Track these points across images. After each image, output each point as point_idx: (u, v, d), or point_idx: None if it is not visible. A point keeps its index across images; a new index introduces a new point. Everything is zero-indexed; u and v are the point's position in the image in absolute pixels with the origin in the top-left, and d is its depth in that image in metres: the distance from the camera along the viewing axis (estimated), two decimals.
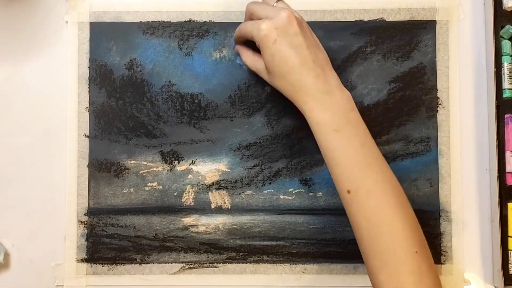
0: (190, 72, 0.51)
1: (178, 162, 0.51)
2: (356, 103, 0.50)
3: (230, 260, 0.50)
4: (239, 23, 0.51)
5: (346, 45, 0.51)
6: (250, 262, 0.50)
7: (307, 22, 0.48)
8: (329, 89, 0.43)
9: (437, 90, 0.51)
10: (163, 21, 0.51)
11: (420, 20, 0.51)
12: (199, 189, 0.51)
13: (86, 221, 0.51)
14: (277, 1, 0.46)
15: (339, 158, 0.42)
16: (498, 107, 0.48)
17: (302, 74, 0.43)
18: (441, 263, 0.50)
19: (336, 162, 0.42)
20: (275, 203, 0.51)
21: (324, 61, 0.44)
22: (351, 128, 0.43)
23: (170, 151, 0.51)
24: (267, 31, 0.42)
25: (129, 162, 0.51)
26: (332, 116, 0.43)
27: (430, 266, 0.40)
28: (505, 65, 0.49)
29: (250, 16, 0.46)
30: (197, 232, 0.51)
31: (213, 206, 0.51)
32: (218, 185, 0.51)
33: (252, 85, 0.51)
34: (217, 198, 0.51)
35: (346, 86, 0.51)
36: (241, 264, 0.50)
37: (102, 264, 0.51)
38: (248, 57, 0.48)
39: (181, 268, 0.50)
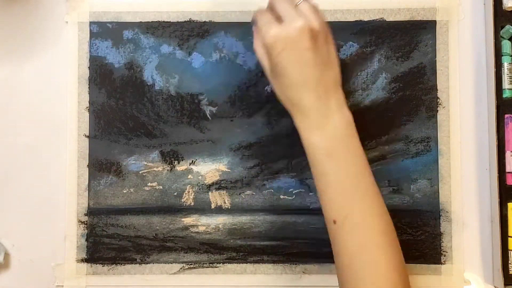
0: (190, 72, 0.51)
1: (178, 162, 0.51)
2: (356, 103, 0.51)
3: (230, 260, 0.50)
4: (239, 23, 0.51)
5: (346, 45, 0.51)
6: (250, 262, 0.50)
7: None
8: (328, 112, 0.40)
9: (437, 90, 0.51)
10: (163, 21, 0.51)
11: (420, 20, 0.51)
12: (199, 189, 0.51)
13: (86, 221, 0.51)
14: (302, 1, 0.41)
15: (328, 184, 0.40)
16: (498, 107, 0.48)
17: (302, 92, 0.40)
18: (441, 263, 0.50)
19: (326, 188, 0.40)
20: (275, 203, 0.51)
21: (331, 80, 0.41)
22: (346, 155, 0.40)
23: (170, 151, 0.51)
24: (275, 39, 0.39)
25: (129, 162, 0.51)
26: (326, 140, 0.40)
27: None
28: (505, 65, 0.49)
29: (271, 6, 0.42)
30: (197, 232, 0.51)
31: (213, 206, 0.51)
32: (218, 185, 0.51)
33: (252, 85, 0.51)
34: (217, 198, 0.51)
35: (346, 87, 0.51)
36: (241, 264, 0.50)
37: (102, 264, 0.51)
38: (259, 48, 0.42)
39: (181, 268, 0.50)
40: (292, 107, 0.41)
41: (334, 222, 0.40)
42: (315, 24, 0.39)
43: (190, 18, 0.51)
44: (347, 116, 0.41)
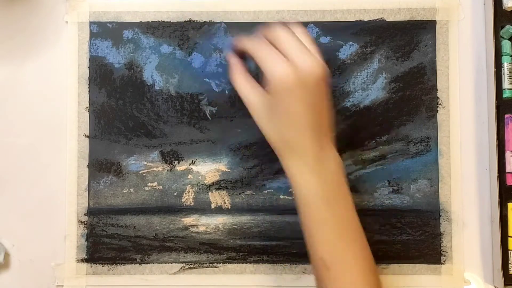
0: (190, 72, 0.51)
1: (178, 162, 0.51)
2: (356, 104, 0.51)
3: (230, 260, 0.50)
4: (239, 23, 0.51)
5: (346, 45, 0.51)
6: (250, 262, 0.50)
7: (306, 22, 0.48)
8: (323, 155, 0.39)
9: (437, 90, 0.51)
10: (163, 21, 0.51)
11: (420, 20, 0.51)
12: (199, 189, 0.51)
13: (86, 221, 0.51)
14: (308, 43, 0.40)
15: (321, 227, 0.39)
16: (498, 107, 0.48)
17: (303, 135, 0.39)
18: (441, 263, 0.50)
19: (317, 230, 0.39)
20: (275, 203, 0.51)
21: (328, 128, 0.40)
22: (339, 200, 0.40)
23: (170, 151, 0.51)
24: (287, 77, 0.37)
25: (129, 162, 0.51)
26: (322, 185, 0.39)
27: None
28: (505, 65, 0.49)
29: (273, 41, 0.40)
30: (197, 232, 0.51)
31: (213, 206, 0.51)
32: (218, 185, 0.51)
33: None
34: (217, 198, 0.51)
35: (346, 87, 0.51)
36: (241, 264, 0.50)
37: (102, 264, 0.51)
38: (241, 81, 0.41)
39: (181, 268, 0.50)
40: (286, 148, 0.40)
41: (325, 266, 0.39)
42: (326, 68, 0.39)
43: (190, 18, 0.51)
44: (339, 160, 0.41)
